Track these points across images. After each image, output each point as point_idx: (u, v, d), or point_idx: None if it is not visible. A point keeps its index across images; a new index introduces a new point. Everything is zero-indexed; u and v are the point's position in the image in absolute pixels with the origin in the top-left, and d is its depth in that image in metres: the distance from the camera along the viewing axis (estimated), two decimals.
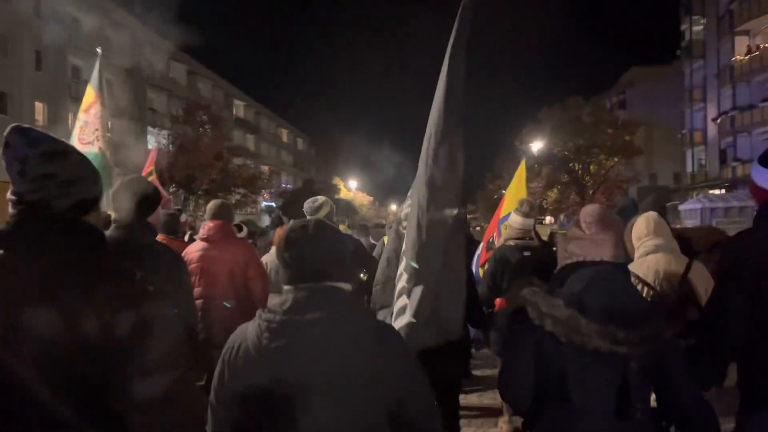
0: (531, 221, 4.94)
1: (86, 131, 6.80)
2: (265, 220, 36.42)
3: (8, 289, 1.43)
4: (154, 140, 37.53)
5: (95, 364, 1.44)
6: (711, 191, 36.47)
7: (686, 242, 3.84)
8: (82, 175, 1.66)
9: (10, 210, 1.58)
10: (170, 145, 35.90)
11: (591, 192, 43.58)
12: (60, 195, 1.58)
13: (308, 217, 3.96)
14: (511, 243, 4.86)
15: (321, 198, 4.98)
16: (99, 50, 7.14)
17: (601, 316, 1.99)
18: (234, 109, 59.62)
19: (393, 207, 68.85)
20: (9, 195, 1.58)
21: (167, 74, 44.83)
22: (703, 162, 45.29)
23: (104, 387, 1.45)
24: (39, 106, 32.49)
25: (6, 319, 1.40)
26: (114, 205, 3.17)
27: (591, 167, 44.18)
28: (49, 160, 1.58)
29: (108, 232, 2.98)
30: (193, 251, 4.40)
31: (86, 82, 7.61)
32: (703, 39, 44.51)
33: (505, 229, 5.90)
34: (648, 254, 3.40)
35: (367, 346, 1.78)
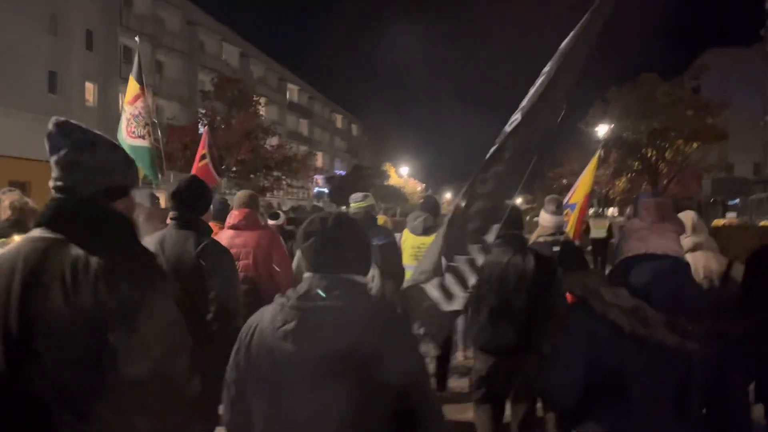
0: (560, 218, 5.12)
1: (134, 124, 6.91)
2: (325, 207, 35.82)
3: (39, 266, 1.65)
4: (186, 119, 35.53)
5: (93, 337, 1.60)
6: None
7: None
8: (109, 164, 1.83)
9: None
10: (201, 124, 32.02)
11: (665, 181, 39.30)
12: (86, 182, 1.77)
13: (351, 206, 5.19)
14: (541, 240, 4.98)
15: (363, 193, 5.40)
16: (137, 39, 7.30)
17: (669, 308, 1.99)
18: (287, 93, 58.81)
19: (448, 195, 66.60)
20: (49, 182, 1.80)
21: (219, 56, 44.20)
22: None
23: (99, 359, 1.59)
24: (89, 86, 32.36)
25: (30, 294, 1.63)
26: (172, 203, 3.35)
27: (667, 153, 39.31)
28: (77, 149, 1.78)
29: (166, 231, 3.28)
30: (221, 239, 4.38)
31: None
32: None
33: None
34: (687, 252, 3.36)
35: (377, 334, 1.83)
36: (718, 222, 26.87)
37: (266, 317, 1.90)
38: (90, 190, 1.76)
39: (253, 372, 1.86)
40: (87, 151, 1.77)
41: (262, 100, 50.51)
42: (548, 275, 3.87)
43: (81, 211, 1.75)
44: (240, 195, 4.89)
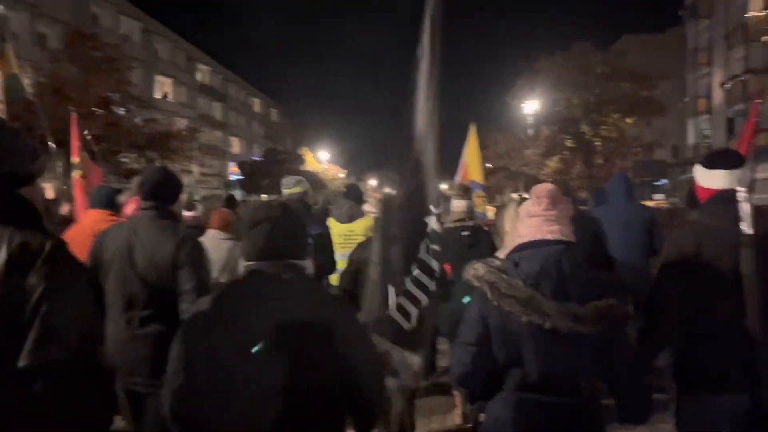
0: (469, 202, 5.27)
1: None
2: (237, 196, 32.58)
3: None
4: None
5: (5, 325, 1.61)
6: None
7: None
8: (13, 150, 1.81)
9: None
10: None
11: (600, 160, 36.94)
12: None
13: (283, 191, 5.15)
14: (451, 225, 5.09)
15: (298, 177, 5.31)
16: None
17: (559, 295, 2.15)
18: (198, 74, 54.82)
19: (372, 182, 64.31)
20: None
21: (117, 31, 39.89)
22: (707, 133, 41.75)
23: (12, 347, 1.60)
24: None
25: None
26: (143, 193, 3.29)
27: (603, 129, 36.59)
28: None
29: (136, 221, 3.23)
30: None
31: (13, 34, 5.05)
32: None
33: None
34: None
35: (322, 315, 1.92)
36: (646, 204, 26.38)
37: (210, 301, 1.96)
38: None
39: (198, 352, 1.88)
40: None
41: (164, 78, 46.49)
42: None
43: None
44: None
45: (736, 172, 2.61)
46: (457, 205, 5.19)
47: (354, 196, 5.79)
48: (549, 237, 2.29)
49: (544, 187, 2.45)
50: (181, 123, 48.77)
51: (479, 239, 4.96)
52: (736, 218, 2.42)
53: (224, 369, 1.84)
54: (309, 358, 1.85)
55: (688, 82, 43.83)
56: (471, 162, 8.25)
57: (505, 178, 45.67)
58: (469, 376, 2.35)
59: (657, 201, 27.42)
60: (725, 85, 37.49)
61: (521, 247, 2.34)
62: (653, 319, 2.66)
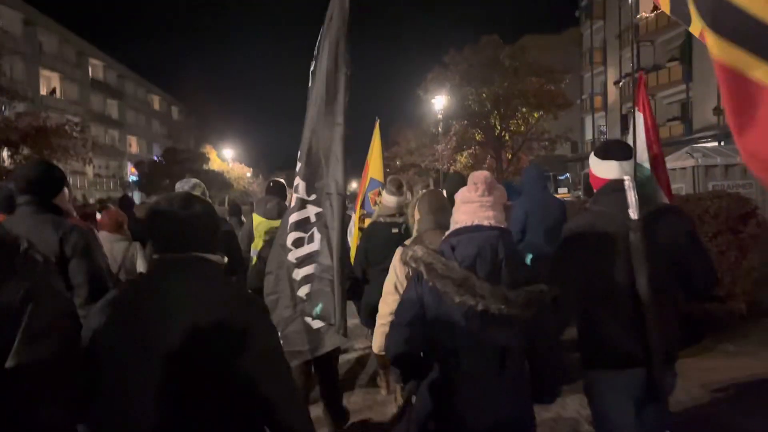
0: (400, 198, 5.16)
1: None
2: (137, 198, 30.59)
3: None
4: None
5: None
6: None
7: None
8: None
9: None
10: None
11: (509, 155, 37.23)
12: None
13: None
14: (381, 220, 5.09)
15: (194, 179, 5.05)
16: None
17: (493, 278, 2.25)
18: (90, 70, 51.32)
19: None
20: None
21: None
22: (603, 129, 43.78)
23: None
24: None
25: None
26: (21, 187, 3.13)
27: (512, 123, 36.63)
28: None
29: (14, 217, 3.08)
30: None
31: None
32: None
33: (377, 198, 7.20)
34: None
35: (228, 316, 1.79)
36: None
37: (112, 299, 1.88)
38: None
39: (98, 351, 1.79)
40: None
41: (50, 73, 42.98)
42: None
43: None
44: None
45: (625, 164, 2.81)
46: (388, 200, 5.19)
47: (279, 192, 5.75)
48: (485, 223, 2.39)
49: (481, 174, 2.52)
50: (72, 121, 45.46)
51: (409, 235, 4.92)
52: (625, 205, 2.60)
53: (121, 369, 1.74)
54: (211, 361, 1.74)
55: (585, 81, 45.87)
56: (373, 159, 8.18)
57: (416, 174, 45.91)
58: (404, 357, 2.41)
59: (561, 194, 28.28)
60: (618, 84, 39.45)
61: (458, 232, 2.42)
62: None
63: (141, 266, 5.35)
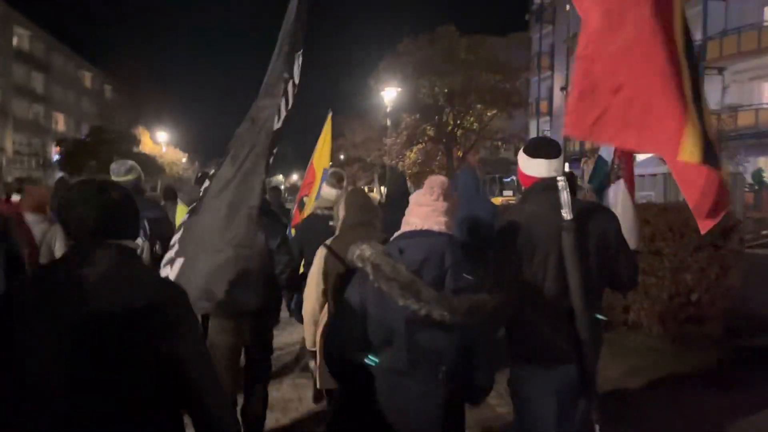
0: (339, 192, 5.14)
1: None
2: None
3: None
4: None
5: None
6: None
7: None
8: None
9: None
10: None
11: (461, 153, 36.21)
12: None
13: (115, 180, 4.53)
14: (318, 213, 5.05)
15: (130, 162, 4.94)
16: None
17: (439, 284, 2.26)
18: (15, 39, 47.93)
19: (294, 176, 60.14)
20: None
21: None
22: (548, 133, 44.22)
23: None
24: None
25: None
26: None
27: (467, 119, 35.60)
28: None
29: None
30: None
31: None
32: (552, 3, 42.82)
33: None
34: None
35: (147, 301, 1.80)
36: (496, 200, 26.94)
37: (27, 288, 1.87)
38: None
39: (14, 342, 1.75)
40: None
41: None
42: None
43: None
44: None
45: (555, 162, 2.83)
46: (327, 192, 5.21)
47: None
48: (435, 228, 2.43)
49: (438, 179, 2.56)
50: None
51: None
52: (557, 204, 2.60)
53: (26, 354, 1.72)
54: (130, 346, 1.74)
55: (531, 84, 46.16)
56: (320, 151, 8.20)
57: (360, 170, 44.91)
58: (338, 357, 2.46)
59: (506, 197, 28.13)
60: (565, 89, 39.87)
61: (408, 235, 2.45)
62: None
63: (60, 250, 5.00)
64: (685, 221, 5.83)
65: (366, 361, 2.41)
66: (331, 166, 8.08)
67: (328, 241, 3.62)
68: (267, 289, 4.00)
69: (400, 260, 2.30)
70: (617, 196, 4.28)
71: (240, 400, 4.17)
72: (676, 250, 5.95)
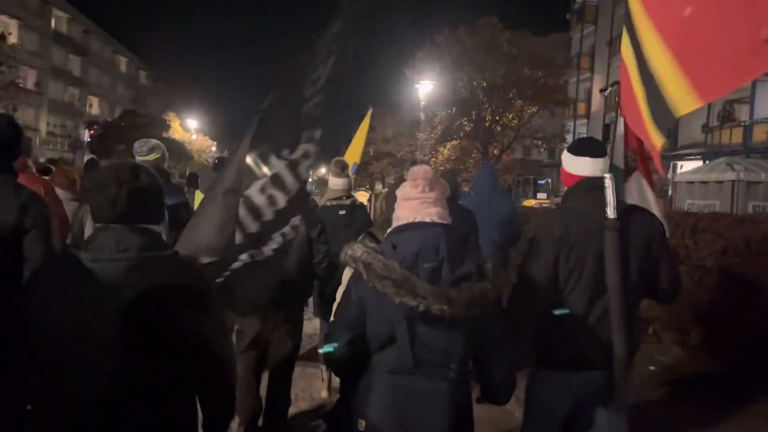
0: (345, 180, 5.21)
1: None
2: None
3: None
4: None
5: None
6: None
7: None
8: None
9: None
10: None
11: (497, 150, 34.45)
12: None
13: (137, 159, 4.46)
14: (328, 204, 5.12)
15: (154, 141, 4.82)
16: None
17: (435, 277, 2.17)
18: (53, 21, 48.49)
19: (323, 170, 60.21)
20: None
21: None
22: (585, 136, 43.13)
23: None
24: None
25: None
26: None
27: (507, 115, 33.47)
28: None
29: None
30: None
31: None
32: (596, 3, 41.68)
33: None
34: None
35: (174, 287, 1.85)
36: (529, 202, 26.19)
37: (56, 273, 1.90)
38: None
39: (43, 328, 1.80)
40: None
41: (8, 19, 40.36)
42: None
43: None
44: None
45: (600, 161, 2.78)
46: (335, 182, 5.21)
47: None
48: (426, 220, 2.35)
49: (420, 170, 2.49)
50: (29, 74, 42.42)
51: (356, 217, 5.16)
52: (601, 203, 2.57)
53: (65, 337, 1.75)
54: (161, 327, 1.81)
55: (569, 86, 45.06)
56: (354, 146, 8.28)
57: (390, 165, 44.16)
58: (341, 361, 2.39)
59: (540, 200, 27.36)
60: (604, 92, 38.71)
61: (399, 229, 2.38)
62: (518, 299, 2.72)
63: (90, 229, 4.94)
64: (744, 236, 5.17)
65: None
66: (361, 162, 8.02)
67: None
68: (303, 277, 4.08)
69: (393, 256, 2.23)
70: (632, 189, 3.86)
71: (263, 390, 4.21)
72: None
